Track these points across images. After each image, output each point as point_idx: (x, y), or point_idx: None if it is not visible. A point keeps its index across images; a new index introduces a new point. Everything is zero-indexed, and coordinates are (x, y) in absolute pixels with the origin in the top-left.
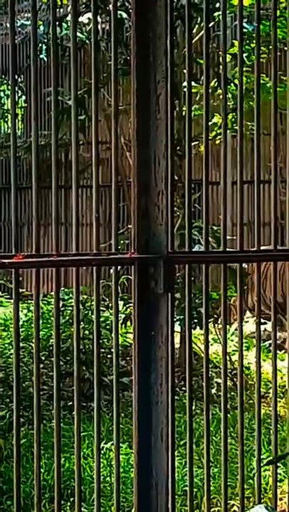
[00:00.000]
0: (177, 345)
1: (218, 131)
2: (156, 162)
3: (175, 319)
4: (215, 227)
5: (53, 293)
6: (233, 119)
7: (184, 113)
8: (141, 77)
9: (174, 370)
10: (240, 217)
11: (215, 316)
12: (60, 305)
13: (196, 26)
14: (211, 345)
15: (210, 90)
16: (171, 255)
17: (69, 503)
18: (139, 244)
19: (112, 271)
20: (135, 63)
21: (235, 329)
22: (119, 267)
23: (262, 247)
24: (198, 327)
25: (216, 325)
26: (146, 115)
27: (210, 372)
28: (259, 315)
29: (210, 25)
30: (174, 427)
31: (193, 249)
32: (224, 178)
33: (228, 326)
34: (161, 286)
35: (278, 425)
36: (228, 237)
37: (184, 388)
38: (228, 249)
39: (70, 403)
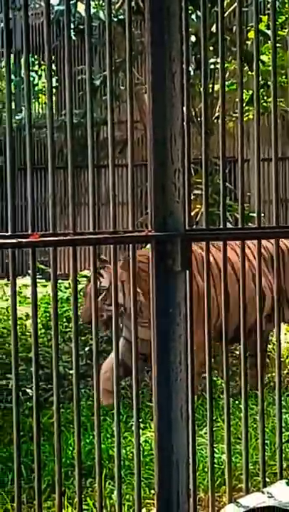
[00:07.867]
0: None
1: (246, 108)
2: (172, 140)
3: None
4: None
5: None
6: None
7: (208, 90)
8: (156, 55)
9: (193, 348)
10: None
11: None
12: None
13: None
14: None
15: (237, 66)
16: (189, 233)
17: (90, 480)
18: (156, 222)
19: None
20: (150, 41)
21: None
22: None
23: None
24: None
25: None
26: (162, 93)
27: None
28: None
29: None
30: (194, 404)
31: None
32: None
33: None
34: (179, 264)
35: None
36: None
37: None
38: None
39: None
